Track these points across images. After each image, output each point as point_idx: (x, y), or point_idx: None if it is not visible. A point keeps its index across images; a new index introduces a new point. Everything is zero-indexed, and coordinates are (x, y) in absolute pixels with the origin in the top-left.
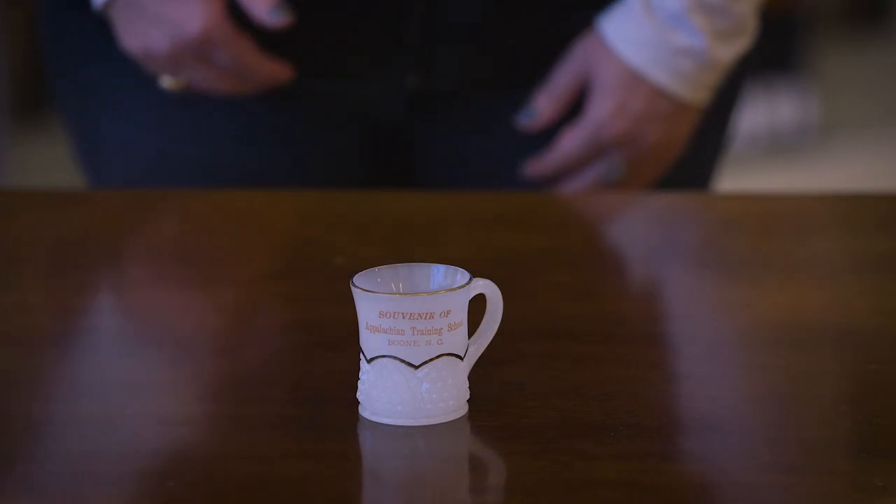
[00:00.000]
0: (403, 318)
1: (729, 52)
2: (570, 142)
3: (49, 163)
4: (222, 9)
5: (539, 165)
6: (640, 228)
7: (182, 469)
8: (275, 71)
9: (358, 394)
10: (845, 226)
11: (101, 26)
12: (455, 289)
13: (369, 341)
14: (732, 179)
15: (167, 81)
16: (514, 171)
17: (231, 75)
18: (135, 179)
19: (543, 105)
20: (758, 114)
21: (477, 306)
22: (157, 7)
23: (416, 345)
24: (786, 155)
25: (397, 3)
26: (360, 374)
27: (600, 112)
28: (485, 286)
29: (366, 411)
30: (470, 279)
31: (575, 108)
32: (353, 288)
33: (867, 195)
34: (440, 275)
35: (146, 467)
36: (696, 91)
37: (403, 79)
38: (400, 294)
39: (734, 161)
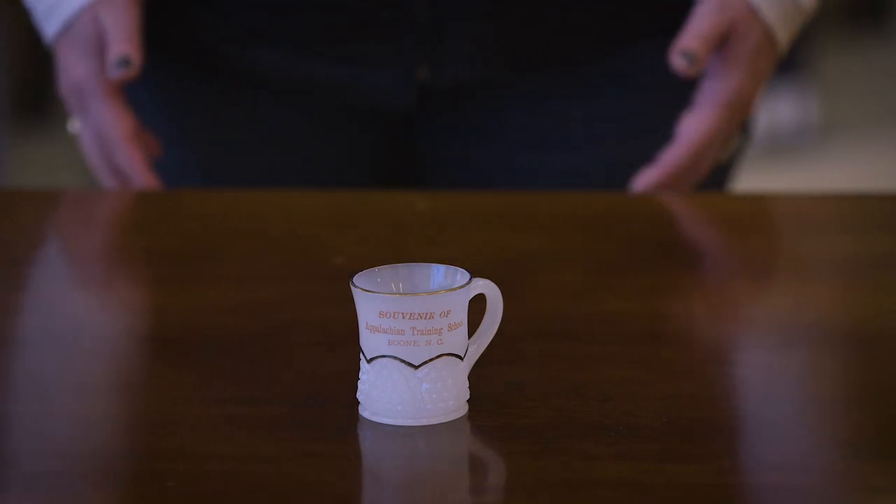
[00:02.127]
0: (403, 318)
1: (809, 1)
2: (703, 123)
3: (49, 163)
4: (99, 64)
5: (662, 168)
6: (640, 228)
7: (182, 469)
8: (133, 164)
9: (358, 394)
10: (845, 226)
11: None
12: (455, 289)
13: (369, 341)
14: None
15: (73, 125)
16: (520, 175)
17: (98, 138)
18: None
19: (701, 49)
20: (757, 114)
21: (477, 306)
22: (59, 51)
23: (416, 345)
24: (785, 155)
25: None
26: (360, 374)
27: (735, 80)
28: (485, 286)
29: (366, 411)
30: (470, 279)
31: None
32: (353, 288)
33: (868, 195)
34: (440, 275)
35: (146, 467)
36: (787, 32)
37: (413, 67)
38: (400, 294)
39: None
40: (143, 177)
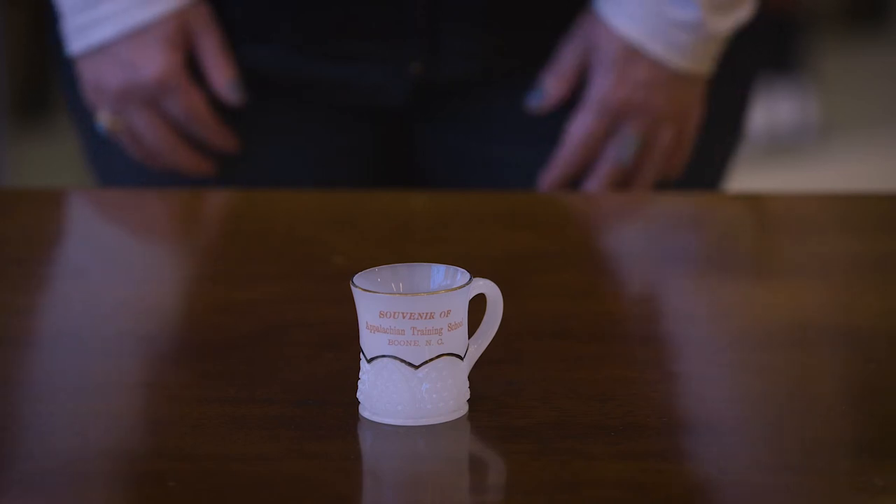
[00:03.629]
0: (404, 317)
1: (727, 23)
2: (579, 126)
3: (49, 163)
4: (181, 59)
5: (554, 169)
6: (639, 229)
7: (182, 469)
8: (219, 135)
9: (358, 394)
10: (845, 226)
11: None
12: (455, 289)
13: (369, 341)
14: (731, 180)
15: (104, 119)
16: (516, 171)
17: (171, 129)
18: (140, 180)
19: (551, 85)
20: (757, 114)
21: (477, 306)
22: (119, 48)
23: (416, 345)
24: (784, 155)
25: None
26: (360, 374)
27: (602, 85)
28: (485, 286)
29: (366, 411)
30: (470, 279)
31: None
32: (353, 288)
33: (867, 195)
34: (440, 275)
35: (146, 467)
36: (696, 62)
37: (409, 64)
38: (400, 294)
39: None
40: (227, 141)
